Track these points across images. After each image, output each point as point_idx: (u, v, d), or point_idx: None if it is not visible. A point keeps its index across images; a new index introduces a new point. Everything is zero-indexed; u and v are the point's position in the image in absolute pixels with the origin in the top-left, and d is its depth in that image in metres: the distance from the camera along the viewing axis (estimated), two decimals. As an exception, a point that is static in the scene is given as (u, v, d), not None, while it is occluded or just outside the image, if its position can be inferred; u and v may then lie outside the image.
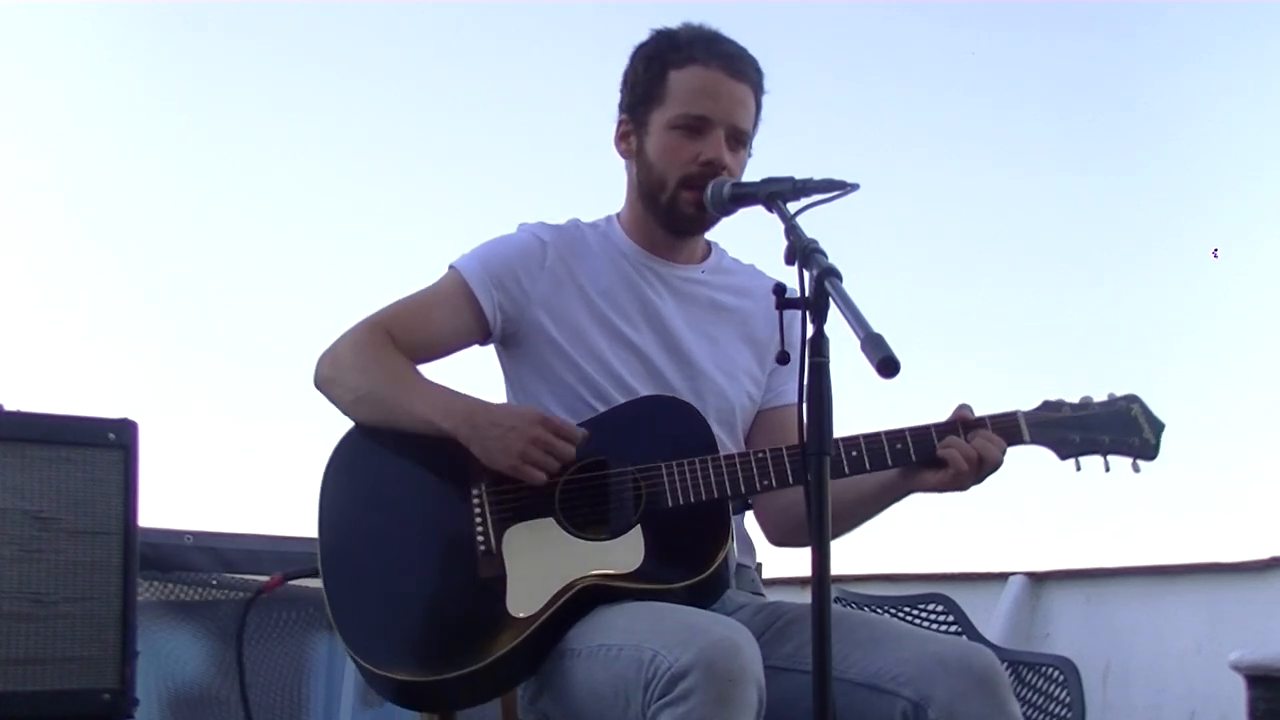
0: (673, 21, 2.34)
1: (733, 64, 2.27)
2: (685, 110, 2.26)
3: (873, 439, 2.15)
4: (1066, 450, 2.19)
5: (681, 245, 2.38)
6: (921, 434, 2.15)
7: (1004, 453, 2.15)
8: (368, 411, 2.23)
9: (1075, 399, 2.22)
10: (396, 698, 2.12)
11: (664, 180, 2.29)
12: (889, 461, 2.15)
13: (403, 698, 2.12)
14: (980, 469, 2.13)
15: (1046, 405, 2.22)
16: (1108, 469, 2.20)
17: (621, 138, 2.37)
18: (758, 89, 2.31)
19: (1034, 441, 2.19)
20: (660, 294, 2.36)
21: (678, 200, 2.28)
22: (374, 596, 2.11)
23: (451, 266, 2.34)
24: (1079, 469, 2.20)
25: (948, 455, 2.12)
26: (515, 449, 2.09)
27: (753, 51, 2.32)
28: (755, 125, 2.33)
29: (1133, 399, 2.22)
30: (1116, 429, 2.20)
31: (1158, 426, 2.21)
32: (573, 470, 2.16)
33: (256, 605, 3.27)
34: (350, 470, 2.23)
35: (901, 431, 2.15)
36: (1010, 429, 2.17)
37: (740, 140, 2.28)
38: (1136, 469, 2.20)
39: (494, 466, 2.11)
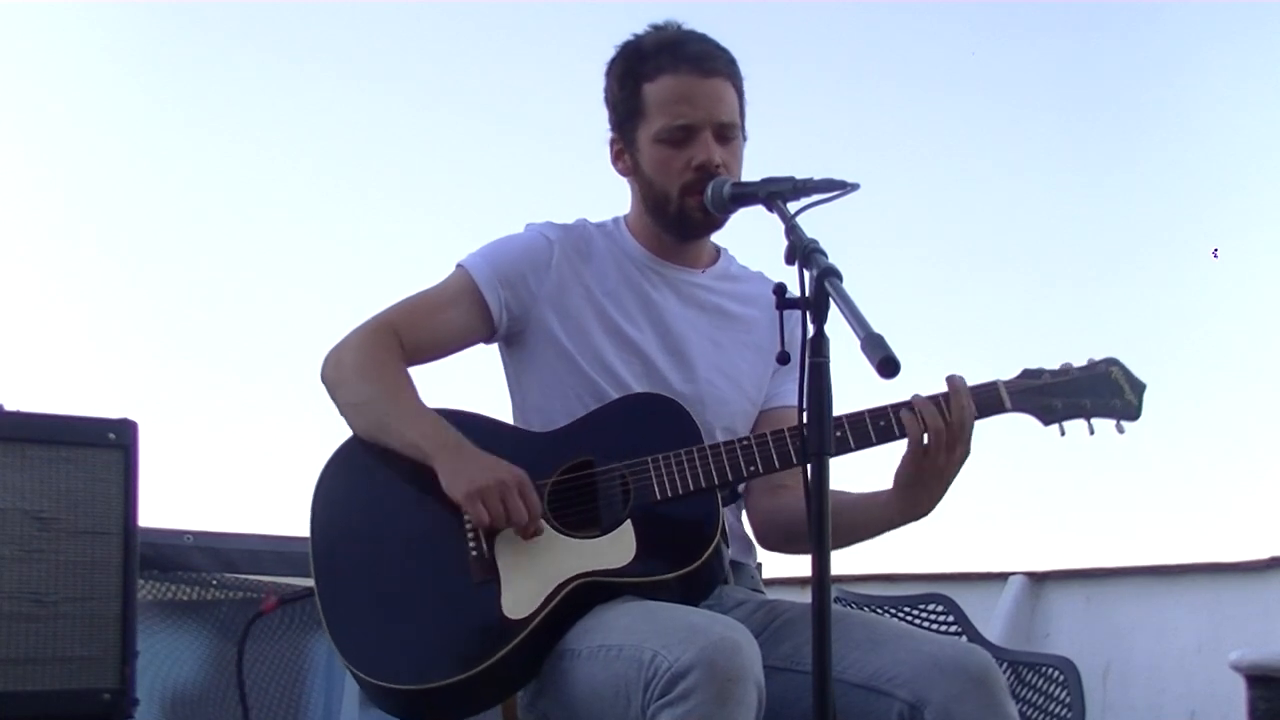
0: (647, 26, 2.32)
1: (702, 64, 2.26)
2: (667, 122, 2.26)
3: (855, 418, 2.12)
4: (1050, 416, 2.18)
5: (688, 249, 2.38)
6: (903, 408, 2.13)
7: (972, 405, 2.09)
8: (359, 422, 2.23)
9: (1055, 366, 2.21)
10: (394, 708, 2.10)
11: (666, 193, 2.29)
12: (873, 438, 2.12)
13: (401, 708, 2.09)
14: (950, 434, 2.07)
15: (1026, 373, 2.20)
16: (1092, 432, 2.19)
17: (617, 157, 2.37)
18: (734, 78, 2.30)
19: (1016, 409, 2.17)
20: (665, 297, 2.36)
21: (685, 208, 2.28)
22: (368, 606, 2.10)
23: (459, 265, 2.34)
24: (1063, 434, 2.19)
25: (905, 419, 2.07)
26: (479, 483, 2.06)
27: (742, 43, 2.31)
28: (742, 112, 2.32)
29: (1112, 361, 2.22)
30: (1098, 392, 2.19)
31: (1139, 387, 2.20)
32: (560, 472, 2.17)
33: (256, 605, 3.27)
34: (343, 480, 2.22)
35: (884, 409, 2.13)
36: (991, 398, 2.15)
37: (728, 133, 2.27)
38: (1120, 430, 2.19)
39: (450, 492, 2.09)
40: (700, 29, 2.33)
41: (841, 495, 2.20)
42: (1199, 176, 6.19)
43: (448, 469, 2.10)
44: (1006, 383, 2.18)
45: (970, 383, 2.14)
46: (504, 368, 2.41)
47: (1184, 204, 6.22)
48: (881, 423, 2.12)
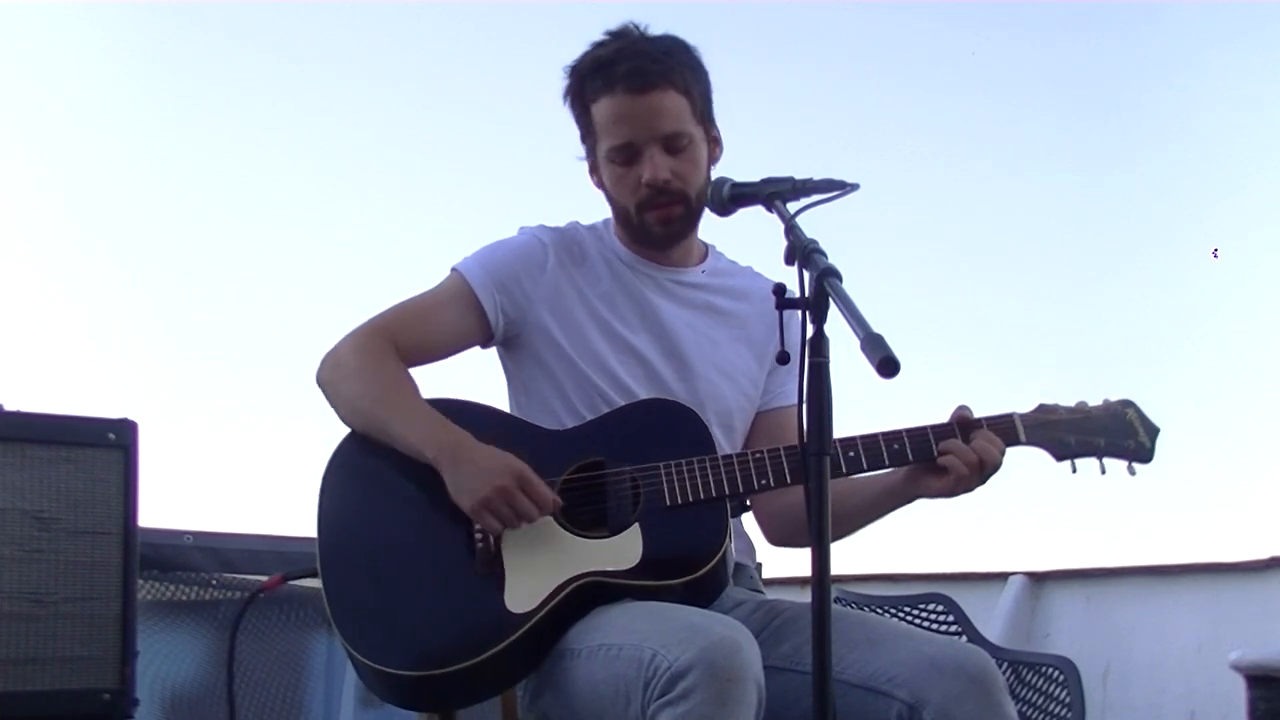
0: (603, 32, 2.31)
1: (634, 80, 2.24)
2: (611, 143, 2.27)
3: (870, 440, 2.15)
4: (1062, 452, 2.20)
5: (674, 250, 2.39)
6: (919, 435, 2.16)
7: (1003, 453, 2.16)
8: (359, 422, 2.24)
9: (1071, 403, 2.24)
10: (394, 696, 2.12)
11: (626, 209, 2.32)
12: (886, 461, 2.16)
13: (400, 695, 2.12)
14: (981, 471, 2.13)
15: (1042, 408, 2.23)
16: (1103, 471, 2.21)
17: (591, 171, 2.39)
18: (675, 84, 2.25)
19: (1030, 442, 2.20)
20: (657, 297, 2.37)
21: (645, 223, 2.31)
22: (372, 593, 2.11)
23: (454, 269, 2.35)
24: (1075, 470, 2.21)
25: (947, 462, 2.13)
26: (480, 494, 2.07)
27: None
28: (698, 110, 2.29)
29: (1128, 403, 2.24)
30: (1112, 432, 2.21)
31: (1153, 430, 2.22)
32: (571, 470, 2.17)
33: (255, 605, 3.27)
34: (350, 469, 2.23)
35: (899, 432, 2.16)
36: (1006, 430, 2.18)
37: (676, 143, 2.26)
38: (1132, 472, 2.21)
39: (458, 503, 2.11)
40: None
41: (846, 480, 2.22)
42: (1199, 176, 6.20)
43: (449, 479, 2.12)
44: (1022, 416, 2.21)
45: (985, 412, 2.19)
46: (503, 369, 2.41)
47: (1184, 204, 6.22)
48: (895, 446, 2.15)
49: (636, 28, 2.31)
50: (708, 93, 2.33)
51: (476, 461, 2.11)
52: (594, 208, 2.45)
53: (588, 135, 2.34)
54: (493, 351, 2.41)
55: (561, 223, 2.42)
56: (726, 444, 2.34)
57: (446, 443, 2.14)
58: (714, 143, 2.36)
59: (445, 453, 2.13)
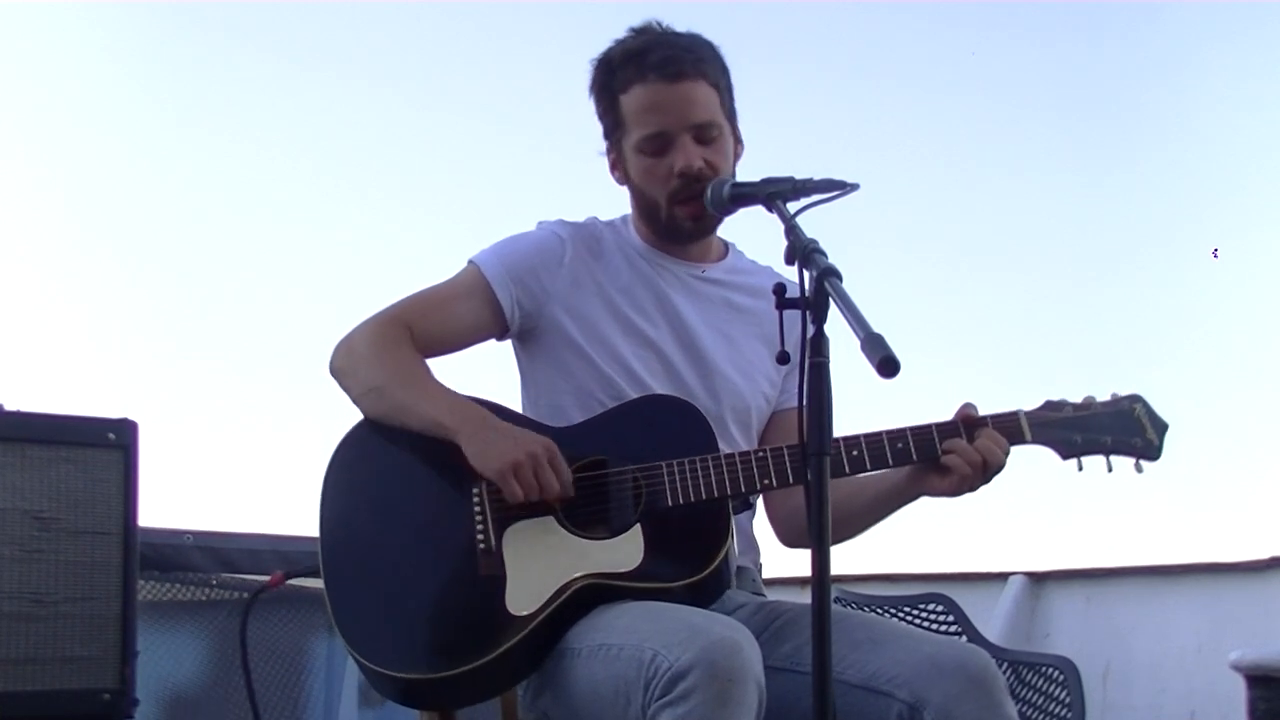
0: (626, 29, 2.32)
1: (667, 69, 2.24)
2: (642, 132, 2.27)
3: (873, 438, 2.14)
4: (1069, 450, 2.18)
5: (694, 247, 2.39)
6: (923, 433, 2.15)
7: (1007, 453, 2.14)
8: (376, 405, 2.23)
9: (1078, 399, 2.21)
10: (397, 696, 2.13)
11: (655, 202, 2.31)
12: (890, 460, 2.15)
13: (403, 696, 2.12)
14: (984, 472, 2.13)
15: (1049, 405, 2.21)
16: (1110, 469, 2.18)
17: (613, 167, 2.39)
18: (707, 75, 2.27)
19: (1036, 441, 2.18)
20: (677, 292, 2.37)
21: (674, 216, 2.30)
22: (374, 594, 2.11)
23: (471, 261, 2.35)
24: (1081, 469, 2.19)
25: (950, 462, 2.12)
26: (509, 457, 2.08)
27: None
28: (727, 106, 2.30)
29: (1136, 399, 2.21)
30: (1119, 429, 2.18)
31: (1161, 427, 2.19)
32: (573, 469, 2.17)
33: (256, 605, 3.27)
34: (351, 469, 2.23)
35: (903, 431, 2.15)
36: (1012, 428, 2.17)
37: (708, 133, 2.26)
38: (1139, 469, 2.18)
39: (482, 469, 2.10)
40: (698, 29, 2.33)
41: (849, 481, 2.21)
42: (1199, 176, 6.19)
43: (476, 446, 2.11)
44: (1029, 414, 2.19)
45: (990, 410, 2.17)
46: (517, 362, 2.41)
47: (1184, 204, 6.22)
48: (899, 445, 2.14)
49: (659, 25, 2.31)
50: (731, 90, 2.34)
51: (507, 433, 2.12)
52: (596, 206, 2.46)
53: (615, 129, 2.33)
54: (505, 345, 2.41)
55: (580, 218, 2.42)
56: (743, 442, 2.34)
57: (472, 415, 2.15)
58: (737, 141, 2.36)
59: (470, 423, 2.14)
